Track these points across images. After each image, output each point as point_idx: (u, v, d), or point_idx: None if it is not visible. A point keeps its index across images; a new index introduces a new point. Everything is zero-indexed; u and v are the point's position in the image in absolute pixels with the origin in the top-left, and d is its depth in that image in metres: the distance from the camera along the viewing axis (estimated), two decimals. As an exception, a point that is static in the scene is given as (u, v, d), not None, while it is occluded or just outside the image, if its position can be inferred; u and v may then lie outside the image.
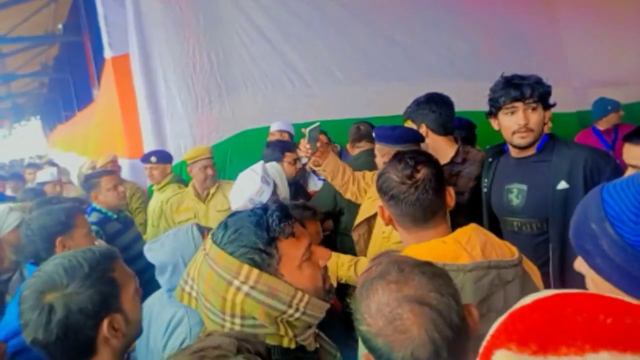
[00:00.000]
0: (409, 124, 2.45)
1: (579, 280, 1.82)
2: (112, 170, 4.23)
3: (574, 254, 1.52)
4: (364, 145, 3.18)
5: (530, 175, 1.96)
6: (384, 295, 0.79)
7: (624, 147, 1.64)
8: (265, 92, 4.86)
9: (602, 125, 4.34)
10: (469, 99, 3.41)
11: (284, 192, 2.55)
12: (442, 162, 2.35)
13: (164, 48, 4.38)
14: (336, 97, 4.93)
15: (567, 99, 4.72)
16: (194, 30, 4.46)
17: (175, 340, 1.59)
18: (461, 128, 3.05)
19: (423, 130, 2.38)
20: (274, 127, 4.28)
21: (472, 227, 1.29)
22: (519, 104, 1.88)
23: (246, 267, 1.00)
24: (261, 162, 2.24)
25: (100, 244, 2.46)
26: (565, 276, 1.86)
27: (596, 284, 0.86)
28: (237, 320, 1.01)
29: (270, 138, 4.30)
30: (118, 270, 1.15)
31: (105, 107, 5.81)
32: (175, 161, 4.44)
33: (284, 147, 3.04)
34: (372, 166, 2.68)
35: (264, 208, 1.06)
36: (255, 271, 1.00)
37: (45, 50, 14.96)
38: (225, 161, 4.81)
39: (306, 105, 4.91)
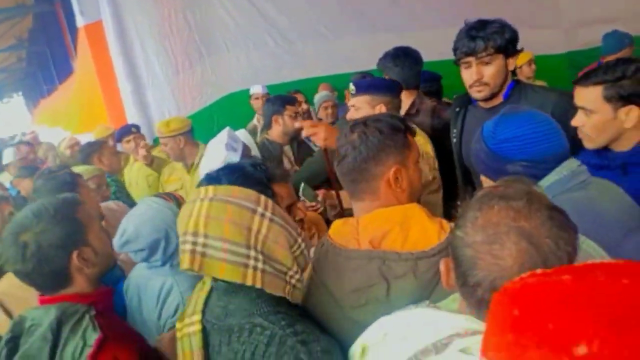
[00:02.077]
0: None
1: None
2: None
3: None
4: None
5: None
6: (499, 215, 0.74)
7: (574, 90, 1.62)
8: (247, 53, 4.70)
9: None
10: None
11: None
12: (401, 114, 2.37)
13: (137, 11, 4.19)
14: (322, 53, 4.78)
15: (557, 41, 4.60)
16: (168, -10, 4.26)
17: (169, 307, 1.62)
18: (425, 81, 3.10)
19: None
20: (253, 90, 4.17)
21: (403, 209, 1.16)
22: (472, 59, 1.84)
23: (262, 196, 1.08)
24: (226, 129, 2.16)
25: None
26: None
27: (485, 184, 1.37)
28: (260, 257, 1.03)
29: (252, 102, 4.20)
30: (81, 212, 1.33)
31: (84, 78, 5.62)
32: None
33: (285, 100, 2.94)
34: None
35: (252, 160, 1.22)
36: (270, 201, 1.09)
37: (18, 22, 14.41)
38: (212, 126, 4.70)
39: (292, 64, 4.78)
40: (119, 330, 1.29)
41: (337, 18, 4.86)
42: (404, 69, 2.42)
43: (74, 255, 1.27)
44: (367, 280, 1.08)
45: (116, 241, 1.66)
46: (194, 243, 1.03)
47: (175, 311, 1.58)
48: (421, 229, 1.10)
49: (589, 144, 1.64)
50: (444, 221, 1.13)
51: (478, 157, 1.38)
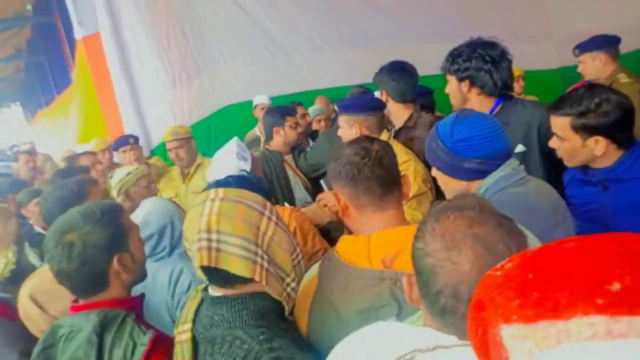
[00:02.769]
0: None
1: None
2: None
3: None
4: None
5: None
6: (454, 224, 0.77)
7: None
8: (244, 65, 4.74)
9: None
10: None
11: None
12: (397, 127, 2.49)
13: (135, 24, 4.23)
14: (318, 65, 4.82)
15: (549, 56, 4.66)
16: (165, 3, 4.30)
17: (182, 286, 1.78)
18: (417, 95, 3.17)
19: (384, 96, 2.47)
20: (257, 101, 4.20)
21: (408, 229, 1.15)
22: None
23: (268, 202, 1.14)
24: (234, 139, 2.19)
25: None
26: None
27: (439, 178, 1.52)
28: (265, 257, 1.08)
29: (255, 112, 4.23)
30: (125, 219, 1.37)
31: (82, 90, 5.66)
32: (157, 142, 4.37)
33: (285, 111, 2.97)
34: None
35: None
36: (275, 207, 1.15)
37: (17, 33, 14.45)
38: (210, 138, 4.73)
39: (288, 76, 4.81)
40: (156, 330, 1.32)
41: (334, 31, 4.92)
42: (400, 82, 2.47)
43: (115, 259, 1.28)
44: (377, 301, 1.06)
45: None
46: (209, 240, 1.07)
47: (189, 287, 1.73)
48: None
49: (567, 163, 1.72)
50: None
51: (435, 155, 1.50)
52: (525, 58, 3.78)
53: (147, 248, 1.77)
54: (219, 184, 1.24)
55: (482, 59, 1.93)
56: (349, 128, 2.23)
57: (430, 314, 0.80)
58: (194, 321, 1.18)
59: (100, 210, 1.30)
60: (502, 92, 1.97)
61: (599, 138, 1.57)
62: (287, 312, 1.17)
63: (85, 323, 1.22)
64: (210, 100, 4.61)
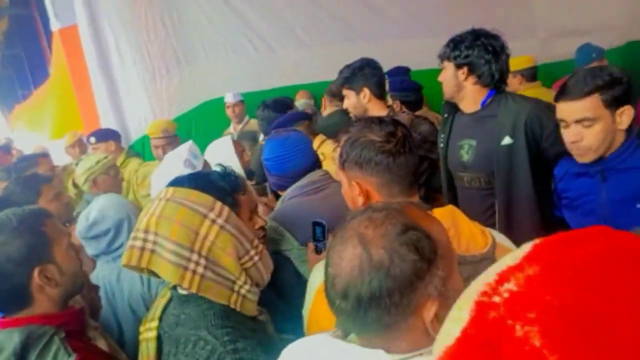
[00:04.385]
0: (347, 93, 2.45)
1: (524, 229, 1.96)
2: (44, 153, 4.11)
3: (518, 207, 1.97)
4: (340, 104, 3.08)
5: (478, 131, 2.01)
6: (355, 223, 0.80)
7: (558, 106, 1.65)
8: (226, 59, 4.64)
9: None
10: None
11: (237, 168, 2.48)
12: None
13: (113, 15, 4.11)
14: (301, 60, 4.74)
15: (532, 52, 4.65)
16: (144, -6, 4.19)
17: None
18: (404, 90, 3.13)
19: (365, 94, 2.39)
20: (234, 99, 4.13)
21: (450, 210, 1.16)
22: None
23: (219, 203, 1.11)
24: (189, 143, 2.15)
25: None
26: (512, 227, 1.95)
27: None
28: (202, 262, 1.06)
29: (232, 110, 4.17)
30: (49, 226, 1.22)
31: (59, 83, 5.51)
32: (137, 136, 4.27)
33: (286, 107, 2.95)
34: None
35: (222, 168, 1.23)
36: (227, 209, 1.12)
37: (-7, 25, 14.08)
38: (190, 134, 4.63)
39: (271, 71, 4.72)
40: (93, 352, 1.22)
41: (317, 25, 4.84)
42: (381, 78, 2.46)
43: (36, 272, 1.16)
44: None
45: (81, 228, 1.78)
46: (145, 240, 1.08)
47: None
48: (469, 232, 1.09)
49: (587, 157, 1.64)
50: (480, 225, 1.13)
51: None
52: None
53: (103, 245, 1.79)
54: (174, 182, 1.18)
55: (484, 48, 1.92)
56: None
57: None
58: (160, 319, 1.17)
59: (17, 219, 1.18)
60: (497, 85, 1.98)
61: (627, 107, 1.54)
62: (251, 312, 1.15)
63: (8, 342, 1.11)
64: (191, 94, 4.51)
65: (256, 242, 1.16)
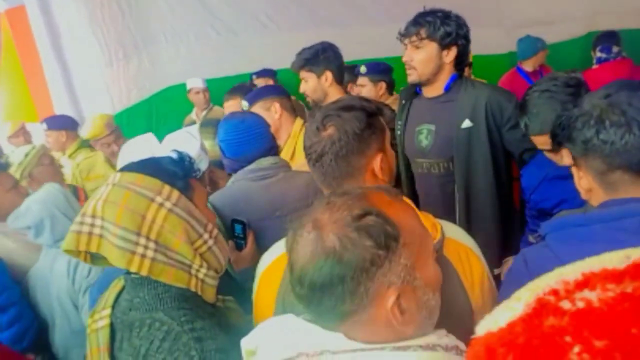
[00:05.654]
0: (306, 75, 2.35)
1: (483, 213, 1.98)
2: None
3: (477, 192, 1.95)
4: None
5: (438, 115, 1.99)
6: (319, 207, 0.77)
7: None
8: (188, 44, 4.50)
9: (528, 66, 4.19)
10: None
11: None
12: None
13: (65, -5, 3.87)
14: (266, 46, 4.63)
15: (498, 40, 4.67)
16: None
17: (82, 271, 1.77)
18: (382, 72, 3.25)
19: (328, 78, 2.31)
20: (191, 84, 4.00)
21: None
22: (406, 41, 1.91)
23: (167, 186, 1.07)
24: (196, 125, 2.09)
25: None
26: (471, 211, 1.95)
27: None
28: (151, 245, 1.03)
29: (193, 97, 4.05)
30: None
31: (8, 69, 5.19)
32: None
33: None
34: None
35: (176, 153, 1.18)
36: (176, 192, 1.08)
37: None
38: (150, 121, 4.47)
39: (234, 56, 4.61)
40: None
41: (282, 10, 4.73)
42: (342, 63, 2.40)
43: None
44: None
45: (10, 216, 1.80)
46: (92, 225, 1.06)
47: (89, 273, 1.75)
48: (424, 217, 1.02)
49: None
50: (432, 217, 1.05)
51: None
52: (475, 42, 3.75)
53: (30, 236, 1.82)
54: (123, 168, 1.14)
55: (466, 30, 1.90)
56: (266, 111, 2.23)
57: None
58: (113, 307, 1.13)
59: None
60: (460, 69, 1.97)
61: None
62: (210, 299, 1.12)
63: None
64: (150, 80, 4.34)
65: (210, 226, 1.12)
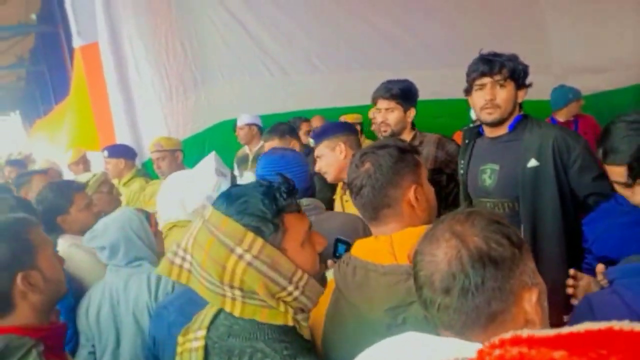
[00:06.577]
0: (391, 105, 2.41)
1: (549, 255, 1.90)
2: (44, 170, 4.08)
3: (544, 231, 1.90)
4: None
5: (502, 155, 1.97)
6: (442, 225, 0.82)
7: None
8: (242, 81, 4.71)
9: (561, 116, 4.10)
10: (452, 87, 3.32)
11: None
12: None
13: (134, 35, 4.22)
14: (315, 85, 4.80)
15: (546, 86, 4.65)
16: (166, 17, 4.30)
17: (166, 287, 1.77)
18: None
19: (411, 114, 2.45)
20: (241, 121, 4.16)
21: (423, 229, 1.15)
22: (488, 79, 1.88)
23: (250, 235, 1.01)
24: (212, 153, 2.15)
25: None
26: (538, 253, 1.86)
27: None
28: (237, 292, 1.01)
29: (238, 132, 4.19)
30: (33, 233, 1.24)
31: (77, 100, 5.61)
32: (149, 155, 4.30)
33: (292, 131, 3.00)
34: None
35: (270, 182, 1.08)
36: (260, 240, 1.01)
37: (20, 41, 14.55)
38: (203, 153, 4.65)
39: (285, 95, 4.79)
40: None
41: (333, 52, 4.91)
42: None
43: (19, 277, 1.16)
44: (406, 298, 1.03)
45: (86, 234, 1.83)
46: (183, 259, 1.08)
47: (173, 288, 1.75)
48: None
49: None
50: None
51: None
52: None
53: (103, 256, 1.83)
54: (218, 198, 1.10)
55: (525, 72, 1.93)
56: (331, 152, 2.16)
57: (426, 314, 0.81)
58: (208, 329, 1.11)
59: (1, 225, 1.21)
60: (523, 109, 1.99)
61: None
62: (306, 335, 1.11)
63: None
64: (205, 115, 4.57)
65: (299, 274, 1.04)
